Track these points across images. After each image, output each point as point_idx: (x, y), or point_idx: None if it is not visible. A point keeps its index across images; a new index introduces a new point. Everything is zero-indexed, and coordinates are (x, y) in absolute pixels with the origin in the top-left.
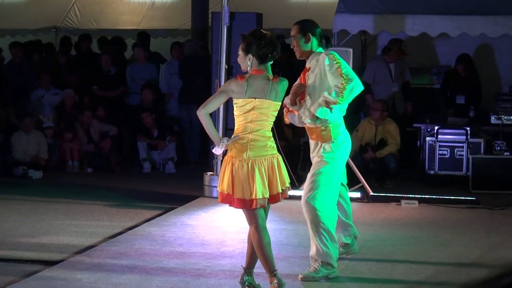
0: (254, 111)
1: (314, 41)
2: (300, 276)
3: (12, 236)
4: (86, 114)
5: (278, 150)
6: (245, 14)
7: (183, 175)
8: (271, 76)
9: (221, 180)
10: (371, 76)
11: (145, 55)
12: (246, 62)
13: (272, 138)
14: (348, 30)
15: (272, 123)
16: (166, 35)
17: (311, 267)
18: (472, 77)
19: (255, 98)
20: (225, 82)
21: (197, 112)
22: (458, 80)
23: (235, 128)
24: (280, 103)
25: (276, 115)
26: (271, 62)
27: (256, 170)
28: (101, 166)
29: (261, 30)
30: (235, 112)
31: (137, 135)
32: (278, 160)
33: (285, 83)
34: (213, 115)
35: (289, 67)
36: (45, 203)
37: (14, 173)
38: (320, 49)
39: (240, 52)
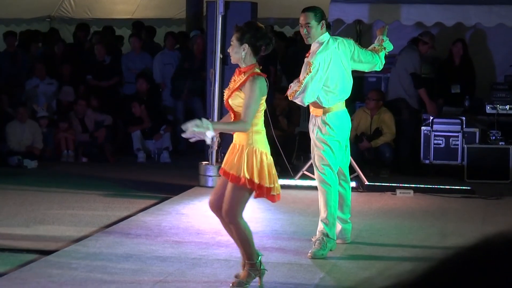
0: (263, 106)
1: (324, 27)
2: (309, 254)
3: (7, 225)
4: (81, 104)
5: (273, 140)
6: (240, 3)
7: (178, 165)
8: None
9: (257, 174)
10: (420, 67)
11: (140, 44)
12: (241, 52)
13: None
14: (343, 19)
15: None
16: (161, 25)
17: (316, 242)
18: (466, 66)
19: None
20: (220, 71)
21: (246, 126)
22: (453, 70)
23: (254, 131)
24: None
25: None
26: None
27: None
28: (96, 155)
29: (257, 22)
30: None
31: (130, 125)
32: None
33: None
34: (208, 107)
35: (286, 57)
36: (40, 193)
37: (9, 163)
38: (327, 34)
39: (234, 42)
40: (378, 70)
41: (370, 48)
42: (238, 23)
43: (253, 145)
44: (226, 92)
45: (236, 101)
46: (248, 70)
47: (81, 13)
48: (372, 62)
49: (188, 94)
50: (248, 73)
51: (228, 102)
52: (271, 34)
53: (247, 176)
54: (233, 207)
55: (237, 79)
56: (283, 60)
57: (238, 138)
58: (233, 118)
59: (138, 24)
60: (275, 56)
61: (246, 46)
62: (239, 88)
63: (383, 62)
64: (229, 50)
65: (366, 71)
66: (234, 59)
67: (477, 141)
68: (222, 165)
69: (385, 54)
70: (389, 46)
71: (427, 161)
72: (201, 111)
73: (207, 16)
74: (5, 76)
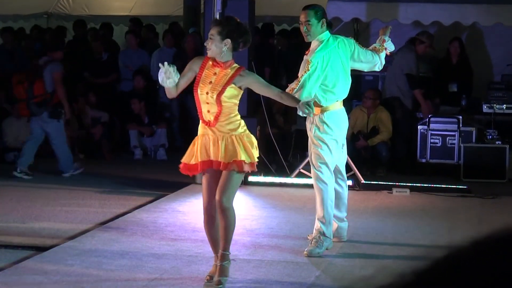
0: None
1: (324, 26)
2: (305, 252)
3: (3, 221)
4: (80, 101)
5: (270, 138)
6: (237, 0)
7: (174, 162)
8: None
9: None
10: (415, 68)
11: (137, 41)
12: (221, 46)
13: None
14: (340, 17)
15: None
16: (158, 22)
17: (313, 241)
18: (463, 65)
19: None
20: None
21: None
22: (450, 68)
23: (236, 117)
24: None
25: None
26: None
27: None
28: (93, 152)
29: (236, 17)
30: (235, 104)
31: (127, 122)
32: None
33: None
34: None
35: (289, 52)
36: (36, 189)
37: (5, 159)
38: (327, 33)
39: (216, 36)
40: (378, 70)
41: (370, 47)
42: None
43: (245, 130)
44: (206, 87)
45: (228, 93)
46: (231, 64)
47: (78, 10)
48: (372, 62)
49: (181, 92)
50: (234, 67)
51: (219, 97)
52: (249, 30)
53: (256, 160)
54: (233, 193)
55: (220, 74)
56: (283, 57)
57: (223, 128)
58: (217, 112)
59: (136, 21)
60: (270, 56)
61: (228, 41)
62: (231, 82)
63: (383, 62)
64: (207, 43)
65: (366, 70)
66: (212, 52)
67: (473, 140)
68: (218, 159)
69: (386, 54)
70: (390, 47)
71: (423, 160)
72: (195, 108)
73: (205, 13)
74: (2, 72)
